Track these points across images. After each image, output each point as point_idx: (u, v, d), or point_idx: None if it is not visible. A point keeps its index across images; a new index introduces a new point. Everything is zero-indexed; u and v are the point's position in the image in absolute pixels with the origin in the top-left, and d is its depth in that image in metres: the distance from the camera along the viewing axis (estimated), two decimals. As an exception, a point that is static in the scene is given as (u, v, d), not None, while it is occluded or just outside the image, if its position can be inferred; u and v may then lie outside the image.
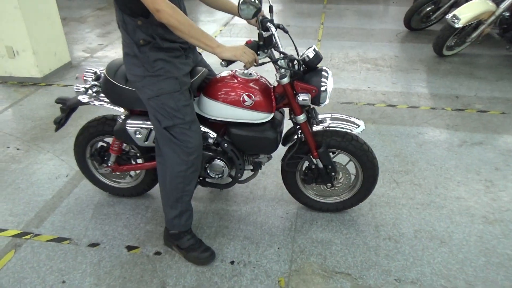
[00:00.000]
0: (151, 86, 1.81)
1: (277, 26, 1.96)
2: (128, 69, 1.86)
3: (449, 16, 4.39)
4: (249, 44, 1.77)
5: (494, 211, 2.41)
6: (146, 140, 2.12)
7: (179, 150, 1.87)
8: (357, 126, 2.05)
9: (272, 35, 1.83)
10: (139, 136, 2.10)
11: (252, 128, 2.02)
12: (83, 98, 2.19)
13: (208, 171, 2.18)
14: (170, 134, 1.86)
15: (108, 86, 2.02)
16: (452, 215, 2.39)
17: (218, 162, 2.13)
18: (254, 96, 1.94)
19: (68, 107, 2.27)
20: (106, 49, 5.27)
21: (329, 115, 2.14)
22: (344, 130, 2.07)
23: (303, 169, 2.28)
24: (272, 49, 1.87)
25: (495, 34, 4.93)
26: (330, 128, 2.10)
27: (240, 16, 1.78)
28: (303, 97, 1.89)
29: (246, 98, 1.94)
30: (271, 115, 1.99)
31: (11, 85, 4.26)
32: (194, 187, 2.03)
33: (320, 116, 2.12)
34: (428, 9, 5.50)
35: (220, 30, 6.07)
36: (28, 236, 2.28)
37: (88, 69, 2.23)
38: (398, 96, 3.90)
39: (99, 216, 2.42)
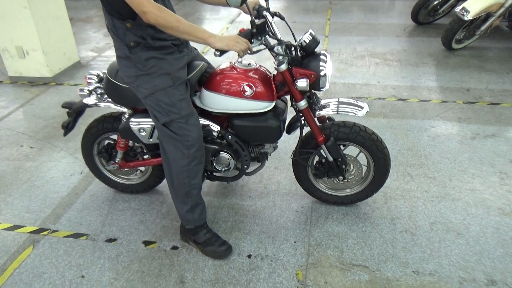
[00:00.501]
0: (145, 84, 1.84)
1: (274, 14, 1.98)
2: (122, 71, 1.90)
3: (458, 8, 4.36)
4: (242, 32, 1.77)
5: (510, 203, 2.40)
6: (151, 137, 2.13)
7: (180, 145, 1.88)
8: (360, 109, 2.04)
9: (265, 22, 1.83)
10: (143, 133, 2.11)
11: (255, 118, 2.03)
12: (88, 101, 2.21)
13: (215, 165, 2.19)
14: (169, 130, 1.87)
15: (110, 87, 2.05)
16: (468, 207, 2.38)
17: (224, 155, 2.14)
18: (255, 85, 1.95)
19: (75, 111, 2.29)
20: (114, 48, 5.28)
21: (333, 100, 2.13)
22: (348, 113, 2.05)
23: (314, 163, 2.28)
24: (268, 36, 1.87)
25: (504, 27, 4.89)
26: (337, 118, 2.08)
27: (228, 5, 1.77)
28: (301, 82, 1.89)
29: (246, 88, 1.95)
30: (273, 104, 2.00)
31: (21, 85, 4.29)
32: (201, 181, 2.03)
33: (323, 102, 2.12)
34: (436, 2, 5.46)
35: (227, 28, 6.07)
36: (45, 232, 2.29)
37: (90, 72, 2.25)
38: (408, 90, 3.88)
39: (115, 212, 2.43)
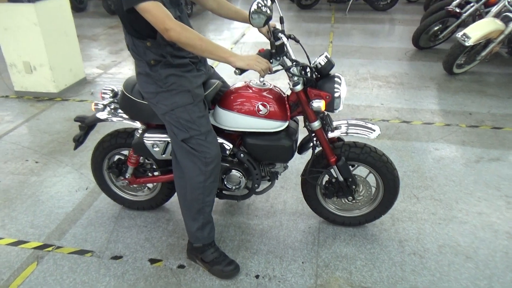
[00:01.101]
0: (165, 101, 1.86)
1: (288, 36, 2.01)
2: (141, 87, 1.92)
3: (459, 34, 4.45)
4: (261, 52, 1.81)
5: (518, 226, 2.40)
6: (164, 153, 2.13)
7: (198, 161, 1.89)
8: (372, 131, 2.06)
9: (283, 43, 1.87)
10: (157, 149, 2.12)
11: (268, 137, 2.04)
12: (101, 115, 2.22)
13: (225, 183, 2.18)
14: (188, 146, 1.88)
15: (126, 102, 2.06)
16: (476, 231, 2.37)
17: (235, 173, 2.14)
18: (269, 105, 1.97)
19: (87, 125, 2.30)
20: (120, 66, 5.34)
21: (344, 122, 2.16)
22: (360, 135, 2.07)
23: (323, 183, 2.28)
24: (284, 57, 1.91)
25: (503, 53, 4.98)
26: (348, 139, 2.11)
27: (252, 25, 1.81)
28: (317, 103, 1.91)
29: (261, 107, 1.97)
30: (286, 123, 2.02)
31: (27, 100, 4.31)
32: (214, 198, 2.03)
33: (335, 123, 2.15)
34: (436, 28, 5.58)
35: (231, 48, 6.16)
36: (50, 248, 2.27)
37: (105, 87, 2.28)
38: (412, 113, 3.92)
39: (120, 229, 2.41)
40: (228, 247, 2.27)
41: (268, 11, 1.70)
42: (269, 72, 1.78)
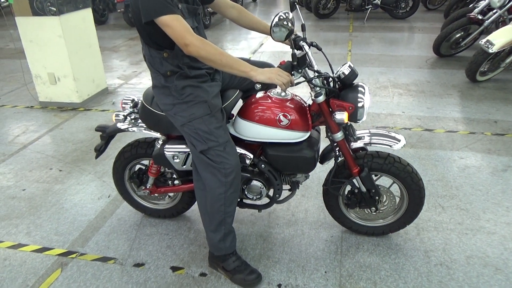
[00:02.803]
0: (182, 112, 1.86)
1: (310, 44, 1.99)
2: (158, 99, 1.93)
3: (482, 41, 4.38)
4: (282, 65, 1.78)
5: (549, 237, 2.31)
6: (184, 164, 2.13)
7: (217, 173, 1.87)
8: (397, 142, 2.02)
9: (305, 54, 1.85)
10: (177, 160, 2.12)
11: (289, 148, 2.02)
12: (122, 125, 2.25)
13: (246, 193, 2.17)
14: (207, 158, 1.87)
15: (145, 113, 2.08)
16: (505, 241, 2.29)
17: (256, 183, 2.13)
18: (290, 115, 1.94)
19: (108, 135, 2.33)
20: (140, 76, 5.43)
21: (367, 131, 2.12)
22: (384, 145, 2.03)
23: (346, 193, 2.25)
24: (306, 68, 1.88)
25: (528, 60, 4.87)
26: (371, 150, 2.08)
27: (273, 38, 1.80)
28: (340, 115, 1.88)
29: (282, 118, 1.95)
30: (308, 134, 1.99)
31: (51, 110, 4.41)
32: (235, 208, 2.01)
33: (358, 133, 2.11)
34: (458, 35, 5.50)
35: (250, 57, 6.18)
36: (73, 255, 2.29)
37: (126, 97, 2.31)
38: (434, 121, 3.85)
39: (142, 237, 2.42)
40: (249, 255, 2.25)
41: (290, 25, 1.69)
42: (290, 85, 1.77)
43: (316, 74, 1.90)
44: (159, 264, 2.21)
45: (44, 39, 4.07)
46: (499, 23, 5.25)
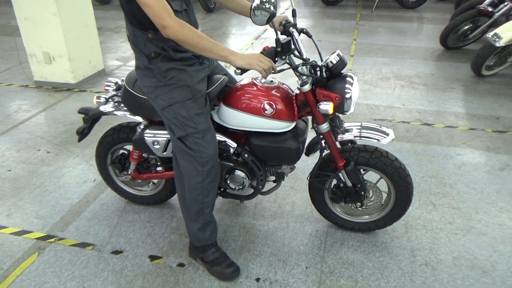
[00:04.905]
0: (163, 96, 1.79)
1: (301, 31, 1.90)
2: (140, 81, 1.86)
3: (489, 35, 4.22)
4: (266, 50, 1.69)
5: (542, 241, 2.23)
6: (165, 151, 2.07)
7: (194, 161, 1.81)
8: (385, 136, 1.93)
9: (290, 40, 1.76)
10: (157, 146, 2.05)
11: (273, 138, 1.94)
12: (104, 108, 2.18)
13: (229, 182, 2.11)
14: (184, 145, 1.81)
15: (127, 96, 2.01)
16: (495, 243, 2.22)
17: (239, 173, 2.06)
18: (275, 104, 1.87)
19: (90, 117, 2.26)
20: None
21: (358, 124, 2.03)
22: (372, 139, 1.94)
23: (331, 187, 2.17)
24: (292, 55, 1.79)
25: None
26: (357, 143, 2.00)
27: (253, 22, 1.70)
28: (325, 106, 1.80)
29: (266, 106, 1.87)
30: (293, 124, 1.91)
31: (45, 90, 4.36)
32: (214, 199, 1.95)
33: (346, 125, 2.03)
34: (466, 27, 5.33)
35: (252, 43, 6.07)
36: (52, 240, 2.25)
37: (109, 79, 2.23)
38: (434, 115, 3.74)
39: (124, 223, 2.38)
40: (230, 247, 2.20)
41: (272, 8, 1.59)
42: (272, 71, 1.68)
43: (303, 61, 1.81)
44: (138, 252, 2.16)
45: (39, 17, 3.99)
46: (509, 16, 5.06)
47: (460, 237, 2.27)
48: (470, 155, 3.09)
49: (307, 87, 1.84)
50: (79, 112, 2.31)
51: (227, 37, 6.49)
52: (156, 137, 2.04)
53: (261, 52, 1.67)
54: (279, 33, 1.73)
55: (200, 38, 1.59)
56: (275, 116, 1.89)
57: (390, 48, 5.83)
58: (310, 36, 1.98)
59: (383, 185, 2.13)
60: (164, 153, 2.07)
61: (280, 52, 1.71)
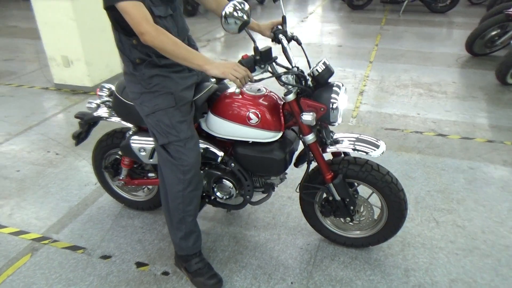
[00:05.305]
0: (147, 102, 1.78)
1: (291, 38, 1.85)
2: (127, 87, 1.87)
3: (516, 41, 4.00)
4: (244, 59, 1.63)
5: (552, 266, 2.07)
6: (151, 158, 2.06)
7: (175, 169, 1.80)
8: (374, 149, 1.84)
9: (270, 48, 1.70)
10: (143, 153, 2.05)
11: (259, 148, 1.90)
12: (99, 114, 2.20)
13: (216, 192, 2.08)
14: (167, 152, 1.80)
15: (116, 103, 2.03)
16: (499, 267, 2.07)
17: (226, 183, 2.03)
18: (260, 113, 1.82)
19: (86, 122, 2.29)
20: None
21: (347, 135, 1.96)
22: (360, 152, 1.85)
23: (321, 200, 2.10)
24: (274, 63, 1.74)
25: None
26: (346, 155, 1.92)
27: (225, 30, 1.65)
28: (307, 116, 1.73)
29: (251, 115, 1.83)
30: (279, 134, 1.86)
31: (64, 92, 4.49)
32: (197, 208, 1.93)
33: (337, 136, 1.96)
34: (494, 33, 5.08)
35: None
36: (46, 241, 2.30)
37: (103, 85, 2.26)
38: (451, 125, 3.57)
39: (117, 228, 2.40)
40: (218, 257, 2.17)
41: (245, 16, 1.55)
42: (250, 81, 1.63)
43: (286, 70, 1.76)
44: (125, 258, 2.17)
45: (57, 22, 4.12)
46: (541, 22, 4.78)
47: (461, 257, 2.14)
48: (484, 169, 2.92)
49: (290, 97, 1.78)
50: (76, 116, 2.36)
51: (249, 41, 6.46)
52: (142, 144, 2.04)
53: (239, 61, 1.64)
54: (256, 41, 1.69)
55: (175, 45, 1.57)
56: (261, 125, 1.84)
57: (413, 54, 5.64)
58: (300, 44, 1.94)
59: (377, 200, 2.03)
60: (151, 160, 2.07)
61: (259, 60, 1.66)
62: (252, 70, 1.65)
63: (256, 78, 1.67)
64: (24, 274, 2.08)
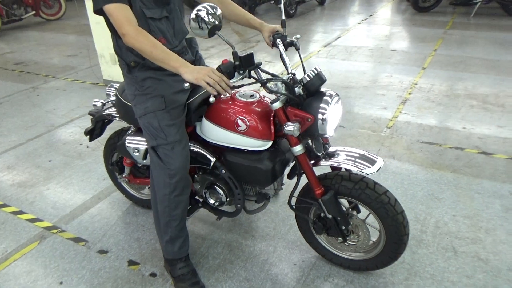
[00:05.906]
0: (139, 104, 1.80)
1: (290, 43, 1.78)
2: (126, 88, 1.89)
3: None
4: (223, 64, 1.56)
5: None
6: (145, 158, 2.07)
7: (163, 172, 1.79)
8: (369, 166, 1.67)
9: (252, 54, 1.60)
10: (137, 154, 2.06)
11: (247, 156, 1.82)
12: (107, 113, 2.25)
13: (207, 197, 2.04)
14: (156, 154, 1.80)
15: (117, 103, 2.07)
16: (518, 312, 1.79)
17: (217, 189, 1.98)
18: (248, 120, 1.74)
19: (96, 119, 2.36)
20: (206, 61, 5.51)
21: (343, 149, 1.81)
22: (354, 167, 1.69)
23: (315, 216, 1.96)
24: (258, 69, 1.65)
25: None
26: (347, 170, 1.77)
27: (195, 35, 1.58)
28: (289, 127, 1.61)
29: (239, 122, 1.75)
30: (269, 143, 1.76)
31: (111, 88, 4.72)
32: (183, 213, 1.90)
33: (333, 149, 1.82)
34: None
35: (318, 51, 5.85)
36: (55, 231, 2.41)
37: (111, 84, 2.31)
38: (500, 143, 3.18)
39: (120, 224, 2.45)
40: (207, 264, 2.12)
41: (216, 21, 1.48)
42: (230, 87, 1.56)
43: (272, 77, 1.66)
44: (120, 255, 2.21)
45: (106, 22, 4.33)
46: None
47: (473, 296, 1.88)
48: (528, 196, 2.55)
49: (276, 105, 1.68)
50: (89, 113, 2.44)
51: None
52: (137, 145, 2.05)
53: (218, 66, 1.57)
54: (234, 46, 1.61)
55: (154, 47, 1.55)
56: (249, 133, 1.77)
57: (475, 61, 5.14)
58: (298, 49, 1.83)
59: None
60: (144, 161, 2.08)
61: (239, 66, 1.58)
62: (231, 76, 1.57)
63: (236, 84, 1.59)
64: (28, 261, 2.20)
